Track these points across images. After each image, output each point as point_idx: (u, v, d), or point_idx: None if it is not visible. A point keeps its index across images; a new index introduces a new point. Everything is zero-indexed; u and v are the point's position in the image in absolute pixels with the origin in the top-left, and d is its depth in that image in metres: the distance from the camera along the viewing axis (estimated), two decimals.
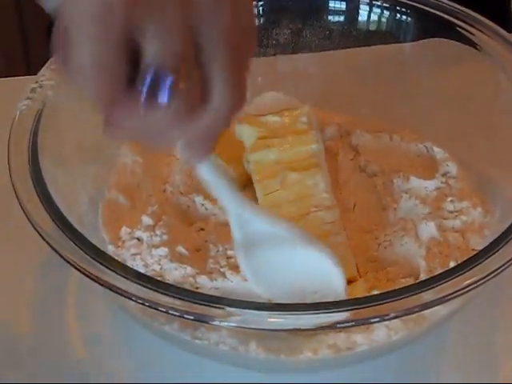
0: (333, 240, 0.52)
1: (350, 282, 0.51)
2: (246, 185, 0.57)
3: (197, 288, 0.50)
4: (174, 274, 0.51)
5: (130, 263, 0.50)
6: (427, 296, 0.43)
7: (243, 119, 0.56)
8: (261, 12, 0.63)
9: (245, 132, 0.56)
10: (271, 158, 0.55)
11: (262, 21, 0.63)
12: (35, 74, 0.56)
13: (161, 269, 0.51)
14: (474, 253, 0.46)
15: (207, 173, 0.50)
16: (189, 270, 0.51)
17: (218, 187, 0.51)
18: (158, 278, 0.48)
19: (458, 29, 0.58)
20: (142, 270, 0.49)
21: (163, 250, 0.52)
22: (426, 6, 0.60)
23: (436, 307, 0.44)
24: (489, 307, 0.54)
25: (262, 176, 0.55)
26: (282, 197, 0.54)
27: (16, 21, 1.42)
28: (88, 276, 0.45)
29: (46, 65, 0.56)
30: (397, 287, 0.45)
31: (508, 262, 0.44)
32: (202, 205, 0.56)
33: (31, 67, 1.43)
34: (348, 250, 0.52)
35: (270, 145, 0.55)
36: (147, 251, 0.52)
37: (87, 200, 0.55)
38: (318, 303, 0.46)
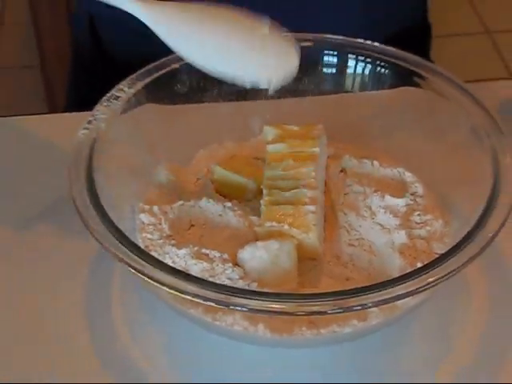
0: (305, 208, 0.52)
1: (310, 254, 0.52)
2: (258, 194, 0.56)
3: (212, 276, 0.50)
4: (195, 267, 0.50)
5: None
6: (399, 290, 0.43)
7: (272, 124, 0.58)
8: None
9: (270, 132, 0.58)
10: (282, 150, 0.56)
11: None
12: (90, 110, 0.56)
13: (185, 263, 0.50)
14: (437, 256, 0.47)
15: None
16: (206, 264, 0.50)
17: None
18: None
19: (425, 79, 0.59)
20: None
21: (186, 250, 0.51)
22: (400, 61, 0.61)
23: (406, 299, 0.44)
24: (448, 302, 0.54)
25: (271, 160, 0.56)
26: (279, 175, 0.55)
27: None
28: (132, 269, 0.45)
29: (100, 102, 0.57)
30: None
31: (464, 264, 0.45)
32: (221, 215, 0.55)
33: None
34: (313, 219, 0.52)
35: (283, 141, 0.57)
36: (175, 249, 0.52)
37: (130, 209, 0.56)
38: (312, 294, 0.46)
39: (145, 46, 0.67)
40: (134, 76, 0.59)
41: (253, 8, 0.79)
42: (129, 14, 0.82)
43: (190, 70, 0.59)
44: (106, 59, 0.90)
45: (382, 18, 0.86)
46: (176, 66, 0.60)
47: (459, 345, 0.51)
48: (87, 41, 0.92)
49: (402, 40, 0.87)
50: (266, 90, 0.62)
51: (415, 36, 0.93)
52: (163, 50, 0.61)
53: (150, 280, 0.44)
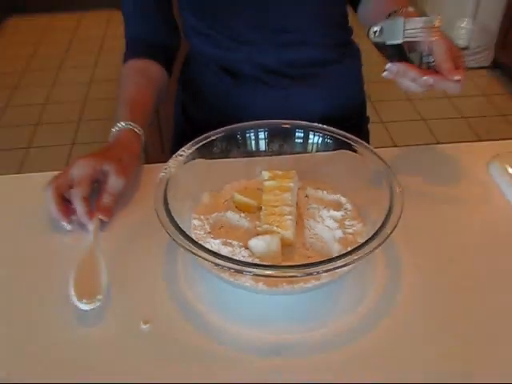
0: (284, 217, 0.53)
1: (288, 243, 0.52)
2: (258, 209, 0.56)
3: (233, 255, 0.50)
4: (223, 250, 0.50)
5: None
6: (338, 263, 0.44)
7: (267, 170, 0.59)
8: (265, 136, 0.63)
9: (265, 175, 0.58)
10: (272, 185, 0.57)
11: (266, 140, 0.63)
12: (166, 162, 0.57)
13: (218, 248, 0.51)
14: (359, 244, 0.46)
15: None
16: (229, 248, 0.50)
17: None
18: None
19: (352, 146, 0.59)
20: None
21: (219, 240, 0.51)
22: (338, 136, 0.60)
23: (342, 268, 0.44)
24: (365, 270, 0.53)
25: (267, 190, 0.56)
26: (271, 199, 0.55)
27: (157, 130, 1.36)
28: (189, 251, 0.45)
29: (171, 158, 0.57)
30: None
31: (374, 248, 0.45)
32: (238, 221, 0.55)
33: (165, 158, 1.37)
34: (290, 223, 0.52)
35: (273, 180, 0.57)
36: (212, 240, 0.52)
37: (187, 217, 0.55)
38: (289, 265, 0.46)
39: (216, 117, 0.67)
40: (190, 143, 0.59)
41: (248, 97, 0.80)
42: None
43: (222, 140, 0.60)
44: (192, 127, 0.88)
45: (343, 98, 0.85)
46: (214, 138, 0.60)
47: (370, 292, 0.51)
48: (181, 117, 0.90)
49: (352, 106, 0.88)
50: (265, 150, 0.63)
51: (359, 102, 0.92)
52: (229, 119, 0.61)
53: (198, 257, 0.45)
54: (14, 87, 2.43)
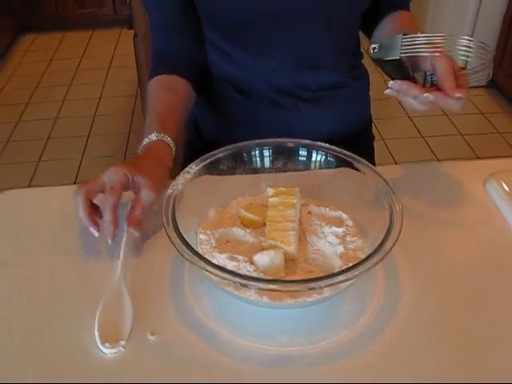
0: (288, 233, 0.53)
1: (291, 258, 0.52)
2: (263, 225, 0.56)
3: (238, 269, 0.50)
4: (229, 264, 0.50)
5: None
6: (339, 278, 0.44)
7: (271, 186, 0.59)
8: (270, 154, 0.63)
9: (270, 191, 0.58)
10: (277, 201, 0.57)
11: (271, 158, 0.63)
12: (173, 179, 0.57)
13: (223, 262, 0.51)
14: (359, 260, 0.47)
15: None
16: (235, 263, 0.50)
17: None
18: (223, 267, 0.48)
19: (354, 164, 0.59)
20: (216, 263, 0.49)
21: (224, 255, 0.51)
22: (340, 154, 0.60)
23: (343, 283, 0.45)
24: (365, 284, 0.54)
25: (271, 207, 0.56)
26: (275, 215, 0.55)
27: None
28: (195, 265, 0.46)
29: (179, 174, 0.57)
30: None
31: (374, 264, 0.45)
32: (244, 236, 0.56)
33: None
34: (293, 239, 0.52)
35: (277, 196, 0.57)
36: (218, 254, 0.52)
37: (194, 233, 0.56)
38: (292, 280, 0.47)
39: (226, 134, 0.68)
40: (198, 160, 0.59)
41: (257, 121, 0.80)
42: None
43: (228, 158, 0.61)
44: (203, 142, 0.88)
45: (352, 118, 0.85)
46: (220, 155, 0.60)
47: (370, 306, 0.51)
48: (192, 131, 0.90)
49: (359, 126, 0.87)
50: (269, 168, 0.63)
51: (366, 122, 0.92)
52: (240, 137, 0.61)
53: (204, 271, 0.45)
54: (27, 103, 2.46)
